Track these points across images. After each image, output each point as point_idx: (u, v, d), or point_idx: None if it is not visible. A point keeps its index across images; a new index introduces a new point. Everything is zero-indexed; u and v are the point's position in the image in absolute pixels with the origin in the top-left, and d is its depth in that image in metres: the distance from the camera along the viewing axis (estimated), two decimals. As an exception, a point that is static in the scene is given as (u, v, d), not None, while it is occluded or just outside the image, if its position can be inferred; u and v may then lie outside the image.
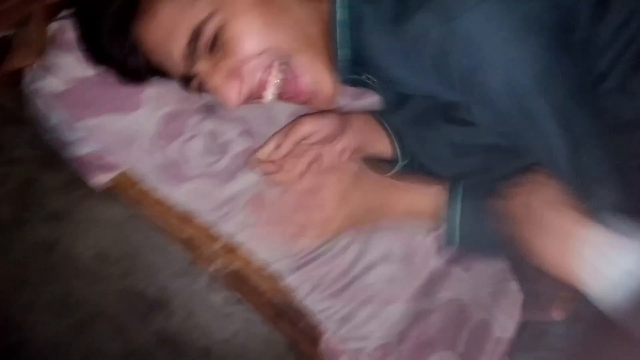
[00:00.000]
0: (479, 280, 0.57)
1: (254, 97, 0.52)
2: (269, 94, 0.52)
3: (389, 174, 0.56)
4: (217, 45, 0.49)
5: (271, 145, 0.54)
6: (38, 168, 1.01)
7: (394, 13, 0.46)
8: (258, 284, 0.58)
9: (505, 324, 0.56)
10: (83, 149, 0.58)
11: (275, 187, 0.56)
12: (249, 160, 0.56)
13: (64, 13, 0.57)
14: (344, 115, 0.55)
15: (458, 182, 0.51)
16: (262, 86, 0.52)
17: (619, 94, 0.49)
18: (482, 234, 0.50)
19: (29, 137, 1.01)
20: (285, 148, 0.53)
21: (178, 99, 0.58)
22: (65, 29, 0.57)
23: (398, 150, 0.56)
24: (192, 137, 0.58)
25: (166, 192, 0.58)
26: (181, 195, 0.58)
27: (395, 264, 0.58)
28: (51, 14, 0.55)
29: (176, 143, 0.57)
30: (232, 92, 0.50)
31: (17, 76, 0.58)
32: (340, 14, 0.50)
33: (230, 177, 0.58)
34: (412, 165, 0.56)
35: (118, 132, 0.58)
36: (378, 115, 0.57)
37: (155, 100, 0.58)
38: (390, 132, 0.56)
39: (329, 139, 0.54)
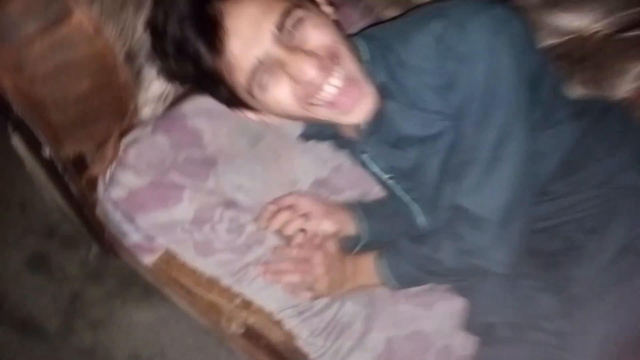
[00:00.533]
0: (440, 316, 0.72)
1: (314, 89, 0.58)
2: (328, 90, 0.59)
3: (353, 252, 0.76)
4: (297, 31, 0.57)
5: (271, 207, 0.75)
6: (85, 283, 1.21)
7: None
8: (269, 333, 0.73)
9: (465, 343, 0.69)
10: (137, 238, 0.78)
11: (279, 254, 0.75)
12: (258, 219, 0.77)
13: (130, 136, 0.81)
14: (329, 204, 0.77)
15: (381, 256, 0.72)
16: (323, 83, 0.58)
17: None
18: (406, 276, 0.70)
19: (81, 257, 1.23)
20: (274, 207, 0.75)
21: (207, 194, 0.80)
22: (127, 149, 0.80)
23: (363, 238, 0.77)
24: (219, 221, 0.78)
25: (198, 263, 0.76)
26: (209, 265, 0.75)
27: (368, 308, 0.74)
28: (122, 136, 0.80)
29: (207, 226, 0.77)
30: (310, 66, 0.56)
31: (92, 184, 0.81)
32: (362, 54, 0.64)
33: (247, 250, 0.76)
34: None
35: (164, 222, 0.77)
36: (354, 210, 0.78)
37: (191, 198, 0.79)
38: (361, 228, 0.77)
39: (310, 216, 0.74)
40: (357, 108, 0.60)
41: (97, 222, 0.86)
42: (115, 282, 1.21)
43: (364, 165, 0.76)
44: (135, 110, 0.77)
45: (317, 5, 0.63)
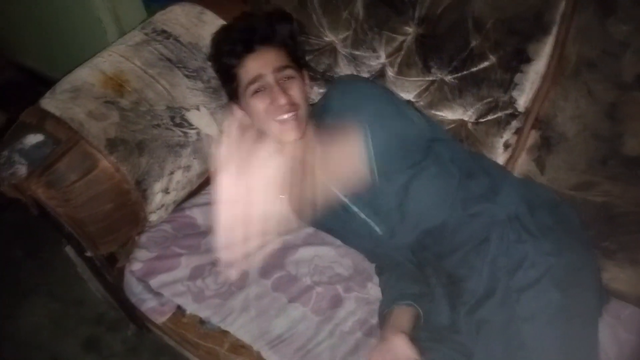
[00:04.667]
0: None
1: (278, 111, 1.01)
2: (284, 116, 1.01)
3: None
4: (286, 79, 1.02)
5: None
6: (126, 356, 1.50)
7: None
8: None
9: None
10: (152, 303, 1.08)
11: None
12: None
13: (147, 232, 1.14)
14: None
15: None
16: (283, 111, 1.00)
17: None
18: None
19: (123, 336, 1.53)
20: None
21: (199, 257, 1.09)
22: (141, 236, 1.12)
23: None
24: (208, 275, 1.07)
25: (194, 308, 1.04)
26: (202, 309, 1.03)
27: (332, 339, 0.98)
28: (138, 236, 1.14)
29: (199, 280, 1.06)
30: (283, 99, 0.99)
31: (121, 273, 1.13)
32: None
33: (230, 296, 1.04)
34: None
35: (169, 281, 1.07)
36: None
37: (187, 261, 1.09)
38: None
39: None
40: (291, 132, 1.02)
41: (130, 303, 1.17)
42: (149, 354, 1.50)
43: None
44: (145, 218, 1.11)
45: (302, 73, 1.08)
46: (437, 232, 0.98)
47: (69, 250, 1.21)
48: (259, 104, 1.02)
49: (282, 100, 1.00)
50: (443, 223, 0.97)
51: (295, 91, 1.02)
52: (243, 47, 1.03)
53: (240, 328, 1.01)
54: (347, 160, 0.98)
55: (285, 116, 1.01)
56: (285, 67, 1.02)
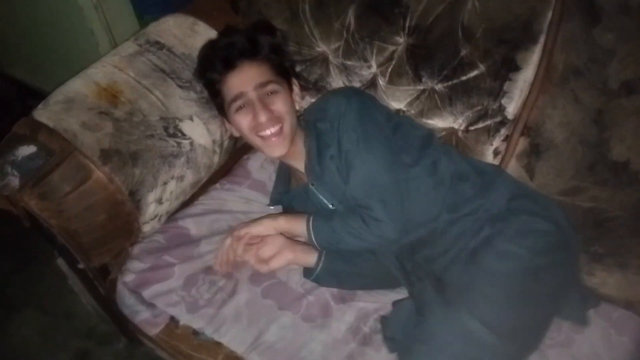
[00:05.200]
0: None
1: (260, 127, 1.01)
2: (266, 132, 1.01)
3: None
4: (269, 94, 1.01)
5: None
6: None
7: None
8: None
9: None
10: (145, 315, 1.07)
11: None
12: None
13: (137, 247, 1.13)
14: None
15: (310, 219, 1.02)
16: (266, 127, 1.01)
17: None
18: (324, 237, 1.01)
19: (115, 349, 1.51)
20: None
21: (192, 266, 1.08)
22: (134, 247, 1.12)
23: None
24: (201, 285, 1.06)
25: (188, 319, 1.03)
26: (196, 319, 1.02)
27: (326, 349, 0.98)
28: (132, 247, 1.13)
29: (193, 289, 1.05)
30: (264, 115, 0.99)
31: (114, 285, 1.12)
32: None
33: (223, 304, 1.03)
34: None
35: (163, 291, 1.05)
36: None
37: (180, 271, 1.08)
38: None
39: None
40: (274, 148, 1.03)
41: (122, 316, 1.16)
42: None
43: (310, 194, 1.08)
44: (139, 229, 1.10)
45: (290, 84, 1.08)
46: (425, 237, 1.00)
47: (61, 262, 1.20)
48: (242, 121, 1.03)
49: (263, 118, 1.00)
50: (432, 229, 0.99)
51: (279, 105, 1.02)
52: (223, 65, 1.02)
53: (233, 339, 1.00)
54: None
55: (269, 132, 1.01)
56: (268, 82, 1.01)
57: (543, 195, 1.04)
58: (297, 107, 1.11)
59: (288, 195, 1.17)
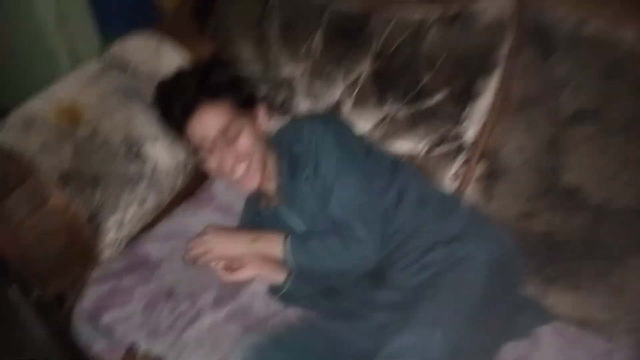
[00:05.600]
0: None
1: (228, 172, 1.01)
2: (236, 174, 1.01)
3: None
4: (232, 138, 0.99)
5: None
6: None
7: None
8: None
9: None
10: (102, 345, 1.04)
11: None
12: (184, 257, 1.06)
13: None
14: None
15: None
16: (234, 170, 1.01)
17: None
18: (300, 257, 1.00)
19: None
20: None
21: (152, 290, 1.05)
22: (93, 273, 1.08)
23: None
24: (162, 310, 1.02)
25: (149, 345, 0.99)
26: (157, 345, 0.98)
27: None
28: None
29: (155, 313, 1.01)
30: (230, 159, 0.99)
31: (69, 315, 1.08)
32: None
33: (184, 330, 0.99)
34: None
35: (122, 316, 1.01)
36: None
37: (140, 295, 1.04)
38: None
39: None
40: (246, 186, 1.04)
41: (77, 347, 1.11)
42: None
43: (280, 216, 1.08)
44: (98, 254, 1.07)
45: (254, 111, 1.07)
46: (382, 259, 1.00)
47: (13, 291, 1.15)
48: (210, 166, 1.03)
49: (230, 162, 1.01)
50: (390, 252, 1.00)
51: (244, 141, 1.01)
52: (182, 111, 1.00)
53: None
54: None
55: (238, 174, 1.02)
56: (229, 123, 1.00)
57: (495, 222, 1.07)
58: (264, 128, 1.11)
59: (259, 218, 1.16)
